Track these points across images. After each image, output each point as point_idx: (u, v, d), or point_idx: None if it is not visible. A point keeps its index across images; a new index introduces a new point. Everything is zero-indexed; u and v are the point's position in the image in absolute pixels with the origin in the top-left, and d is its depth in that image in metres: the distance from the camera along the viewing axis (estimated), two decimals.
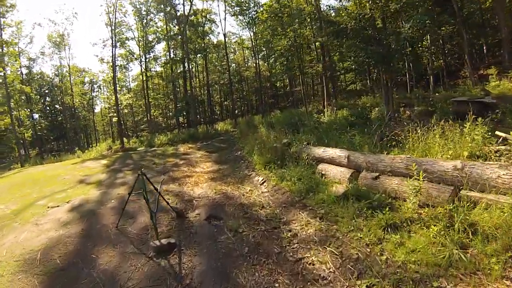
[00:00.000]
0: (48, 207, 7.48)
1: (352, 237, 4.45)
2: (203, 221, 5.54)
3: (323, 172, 7.02)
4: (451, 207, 4.26)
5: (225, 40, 33.14)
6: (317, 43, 24.59)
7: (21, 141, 38.99)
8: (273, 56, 31.63)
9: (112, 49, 26.98)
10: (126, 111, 38.52)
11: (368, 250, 4.17)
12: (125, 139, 31.33)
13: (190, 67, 34.14)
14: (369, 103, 20.40)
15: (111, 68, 28.11)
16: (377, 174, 5.86)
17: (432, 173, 4.98)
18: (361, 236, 4.41)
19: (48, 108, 42.67)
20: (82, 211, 6.65)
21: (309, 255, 4.23)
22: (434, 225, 4.21)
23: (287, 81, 37.86)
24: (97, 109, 48.40)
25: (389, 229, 4.44)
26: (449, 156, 5.99)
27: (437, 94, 19.80)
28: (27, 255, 4.94)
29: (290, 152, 8.30)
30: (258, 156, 9.05)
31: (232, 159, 11.34)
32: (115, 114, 29.36)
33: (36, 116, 39.49)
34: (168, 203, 5.87)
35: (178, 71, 32.20)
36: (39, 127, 33.09)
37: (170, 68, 31.88)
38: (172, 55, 31.68)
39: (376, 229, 4.47)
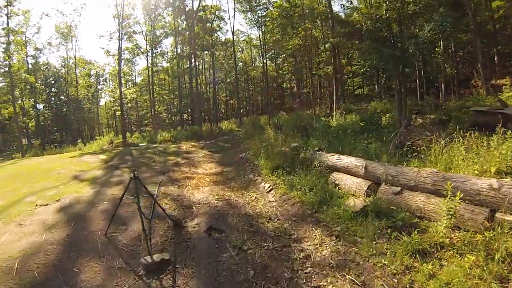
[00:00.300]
0: (37, 205, 6.88)
1: (375, 264, 3.80)
2: (203, 234, 4.89)
3: (336, 182, 6.36)
4: (491, 234, 3.63)
5: (233, 38, 32.53)
6: (326, 45, 23.91)
7: (24, 131, 38.68)
8: (282, 55, 30.94)
9: (119, 42, 26.51)
10: (130, 105, 37.99)
11: (395, 281, 3.53)
12: (128, 134, 30.89)
13: (197, 63, 33.59)
14: (379, 109, 19.69)
15: (117, 61, 27.57)
16: (399, 188, 5.20)
17: (464, 192, 4.30)
18: (386, 262, 3.78)
19: (53, 99, 42.26)
20: (70, 213, 6.03)
21: (325, 284, 3.58)
22: (470, 254, 3.61)
23: (295, 82, 37.13)
24: (102, 102, 48.06)
25: (417, 255, 3.80)
26: (476, 171, 5.34)
27: (449, 102, 19.10)
28: (4, 263, 4.32)
29: (300, 157, 7.63)
30: (265, 160, 8.39)
31: (237, 161, 10.69)
32: (119, 108, 28.82)
33: (40, 106, 39.15)
34: (164, 210, 5.22)
35: (185, 67, 31.60)
36: (42, 118, 32.60)
37: (176, 64, 31.29)
38: (179, 51, 31.10)
39: (403, 255, 3.83)
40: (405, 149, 7.95)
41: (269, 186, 6.84)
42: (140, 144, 18.58)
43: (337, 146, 8.48)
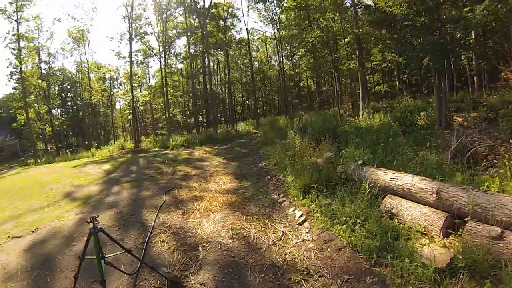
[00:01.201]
0: (9, 236, 5.49)
1: None
2: None
3: (394, 211, 4.56)
4: None
5: (248, 36, 30.87)
6: (346, 40, 21.83)
7: (40, 136, 38.33)
8: (301, 50, 28.99)
9: (130, 43, 25.33)
10: (142, 108, 37.00)
11: None
12: (143, 137, 29.82)
13: (211, 63, 32.22)
14: (410, 107, 17.52)
15: (129, 63, 26.43)
16: (499, 230, 3.37)
17: None
18: None
19: (69, 103, 41.94)
20: (39, 255, 4.52)
21: None
22: None
23: (314, 79, 35.03)
24: (118, 106, 47.43)
25: None
26: None
27: (488, 97, 16.81)
28: None
29: (337, 172, 5.83)
30: (292, 175, 6.62)
31: (256, 173, 8.99)
32: (131, 111, 27.70)
33: (56, 111, 38.82)
34: (154, 269, 3.56)
35: (198, 66, 30.23)
36: (56, 123, 31.99)
37: (189, 64, 29.94)
38: (192, 51, 29.70)
39: None
40: (463, 157, 6.11)
41: (301, 215, 5.09)
42: (151, 150, 17.19)
43: (379, 155, 6.66)
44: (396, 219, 4.46)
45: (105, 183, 8.87)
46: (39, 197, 8.06)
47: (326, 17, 17.41)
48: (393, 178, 5.01)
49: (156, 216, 5.51)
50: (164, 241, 4.59)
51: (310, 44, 25.61)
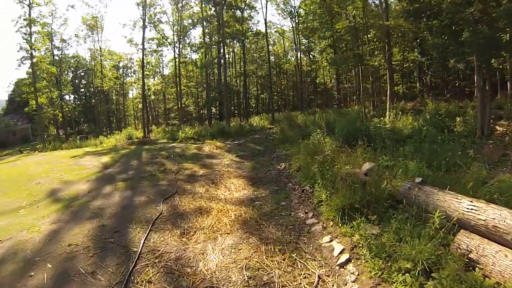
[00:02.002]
0: None
1: None
2: None
3: (472, 256, 3.11)
4: None
5: (266, 28, 29.16)
6: (370, 34, 19.94)
7: (51, 122, 37.72)
8: (321, 43, 27.33)
9: (143, 31, 24.08)
10: (153, 97, 35.84)
11: None
12: (154, 127, 28.66)
13: (226, 55, 30.75)
14: (441, 110, 15.71)
15: (141, 51, 25.21)
16: None
17: None
18: None
19: (82, 90, 41.20)
20: None
21: None
22: None
23: (333, 76, 33.15)
24: (132, 95, 46.46)
25: None
26: None
27: None
28: None
29: (383, 190, 4.34)
30: (324, 189, 5.14)
31: (274, 178, 7.55)
32: (141, 100, 26.55)
33: (69, 97, 38.12)
34: None
35: (213, 57, 28.80)
36: (66, 109, 31.16)
37: (204, 54, 28.54)
38: (207, 41, 28.25)
39: None
40: None
41: (342, 251, 3.65)
42: (158, 141, 15.96)
43: (434, 170, 5.15)
44: (477, 269, 3.00)
45: (97, 180, 7.59)
46: (21, 194, 6.86)
47: (356, 6, 15.65)
48: (472, 209, 3.49)
49: (146, 237, 4.15)
50: (151, 282, 3.22)
51: (333, 37, 23.92)
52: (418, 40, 21.36)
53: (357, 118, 13.95)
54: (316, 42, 38.84)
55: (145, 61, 25.54)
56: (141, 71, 25.91)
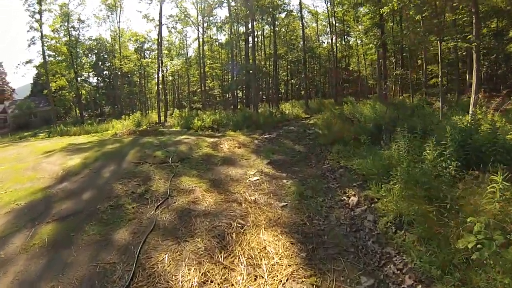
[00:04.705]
0: None
1: None
2: None
3: None
4: None
5: (300, 6, 24.25)
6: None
7: (72, 104, 35.46)
8: (367, 22, 22.44)
9: (160, 4, 20.30)
10: (170, 78, 32.23)
11: None
12: (176, 111, 25.28)
13: (255, 39, 26.48)
14: None
15: (158, 27, 21.49)
16: None
17: None
18: None
19: (105, 72, 38.49)
20: None
21: None
22: None
23: (380, 60, 27.81)
24: (156, 77, 43.21)
25: None
26: None
27: None
28: None
29: None
30: None
31: (349, 238, 3.49)
32: (161, 81, 22.99)
33: (90, 80, 35.57)
34: None
35: (240, 34, 24.57)
36: (83, 91, 28.33)
37: (229, 30, 24.43)
38: (233, 15, 23.96)
39: None
40: None
41: None
42: (169, 130, 12.32)
43: None
44: None
45: (19, 214, 3.97)
46: None
47: None
48: None
49: None
50: None
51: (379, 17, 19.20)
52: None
53: (432, 115, 9.49)
54: (353, 25, 34.01)
55: (163, 39, 21.84)
56: (159, 50, 22.31)
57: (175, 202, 4.40)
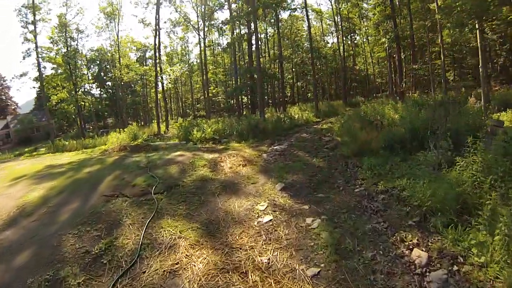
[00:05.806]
0: None
1: None
2: None
3: None
4: None
5: (305, 5, 22.68)
6: None
7: (72, 117, 34.38)
8: (377, 15, 20.87)
9: (156, 7, 18.99)
10: (170, 85, 30.90)
11: None
12: (180, 119, 23.80)
13: (259, 41, 24.94)
14: None
15: (154, 32, 20.16)
16: None
17: None
18: None
19: (108, 83, 37.47)
20: None
21: None
22: None
23: (394, 56, 25.87)
24: (161, 87, 41.96)
25: None
26: None
27: None
28: None
29: None
30: None
31: None
32: (160, 90, 21.61)
33: (92, 91, 34.49)
34: None
35: (243, 35, 23.07)
36: (82, 103, 27.11)
37: (231, 31, 22.98)
38: (234, 14, 22.51)
39: None
40: None
41: None
42: (165, 144, 10.80)
43: None
44: None
45: None
46: None
47: None
48: None
49: None
50: None
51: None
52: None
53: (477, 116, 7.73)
54: (358, 23, 32.56)
55: (163, 46, 20.49)
56: (159, 57, 20.98)
57: (144, 272, 2.82)
